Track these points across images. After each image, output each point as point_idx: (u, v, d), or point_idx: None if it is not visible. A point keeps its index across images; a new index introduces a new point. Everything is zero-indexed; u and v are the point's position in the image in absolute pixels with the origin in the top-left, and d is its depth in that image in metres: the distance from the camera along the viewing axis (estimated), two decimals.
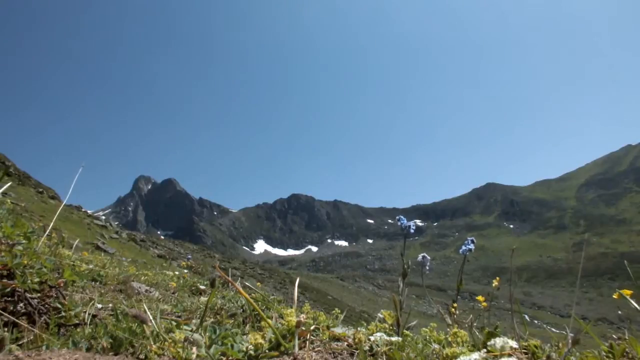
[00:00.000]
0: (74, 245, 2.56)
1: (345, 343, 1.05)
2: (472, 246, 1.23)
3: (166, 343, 0.84)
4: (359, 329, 1.22)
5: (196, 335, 0.85)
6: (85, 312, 1.17)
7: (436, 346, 0.94)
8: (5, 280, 1.05)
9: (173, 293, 2.67)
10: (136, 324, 0.93)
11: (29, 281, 1.09)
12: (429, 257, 1.30)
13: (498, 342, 0.79)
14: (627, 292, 0.92)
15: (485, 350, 0.82)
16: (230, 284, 2.79)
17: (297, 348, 0.87)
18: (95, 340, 0.91)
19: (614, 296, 1.12)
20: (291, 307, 1.21)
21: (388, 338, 0.92)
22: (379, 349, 0.90)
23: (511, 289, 1.32)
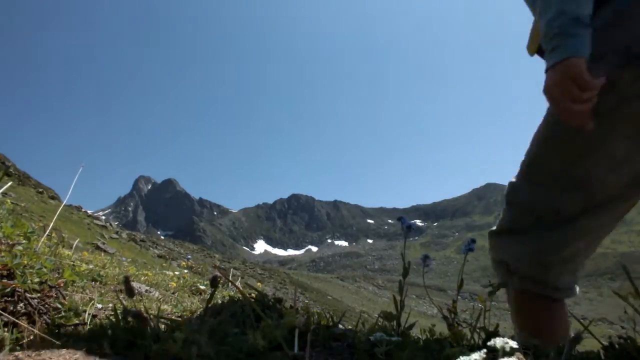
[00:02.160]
0: (74, 245, 2.56)
1: (345, 343, 1.05)
2: (472, 246, 1.23)
3: (166, 343, 0.84)
4: (358, 329, 1.22)
5: (196, 336, 0.85)
6: (85, 312, 1.17)
7: (436, 346, 0.94)
8: (5, 280, 1.05)
9: (173, 293, 2.67)
10: (136, 324, 0.93)
11: (29, 281, 1.09)
12: (431, 258, 1.30)
13: (498, 342, 0.79)
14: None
15: (485, 350, 0.82)
16: (230, 283, 2.79)
17: (297, 348, 0.87)
18: (95, 340, 0.91)
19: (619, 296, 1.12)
20: (291, 307, 1.20)
21: (388, 338, 0.92)
22: (379, 349, 0.90)
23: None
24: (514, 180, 1.18)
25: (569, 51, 0.91)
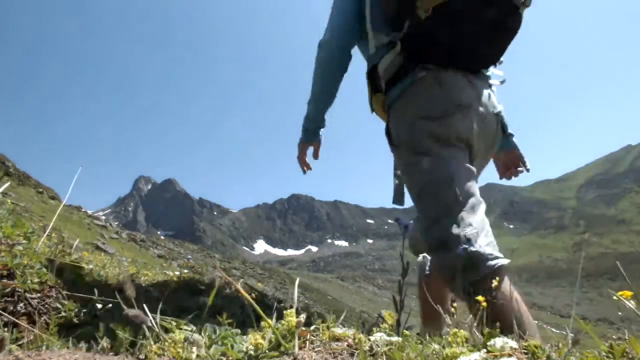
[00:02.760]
0: (74, 245, 2.56)
1: (345, 343, 1.05)
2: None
3: (166, 343, 0.84)
4: (358, 329, 1.22)
5: (196, 336, 0.85)
6: (85, 312, 1.17)
7: (436, 346, 0.94)
8: (5, 280, 1.05)
9: (173, 293, 2.67)
10: (136, 324, 0.93)
11: (29, 281, 1.09)
12: (429, 257, 1.29)
13: (498, 342, 0.79)
14: (627, 294, 0.92)
15: (485, 350, 0.82)
16: (230, 284, 2.79)
17: (297, 348, 0.87)
18: (95, 340, 0.91)
19: (615, 297, 1.12)
20: (291, 307, 1.20)
21: (388, 338, 0.92)
22: (379, 349, 0.90)
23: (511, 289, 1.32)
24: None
25: (302, 138, 1.83)
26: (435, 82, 1.38)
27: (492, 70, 1.53)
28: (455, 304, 1.28)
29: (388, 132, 1.51)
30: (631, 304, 0.89)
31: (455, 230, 1.25)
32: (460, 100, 1.37)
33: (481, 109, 1.42)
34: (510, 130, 1.63)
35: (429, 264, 1.67)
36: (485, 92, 1.47)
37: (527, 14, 1.37)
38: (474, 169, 1.40)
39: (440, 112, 1.35)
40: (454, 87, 1.39)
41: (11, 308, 1.02)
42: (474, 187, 1.37)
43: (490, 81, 1.53)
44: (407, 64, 1.41)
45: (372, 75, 1.52)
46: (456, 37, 1.35)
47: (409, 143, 1.42)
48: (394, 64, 1.43)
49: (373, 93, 1.56)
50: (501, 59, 1.49)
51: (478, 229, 1.27)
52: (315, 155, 1.87)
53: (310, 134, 1.81)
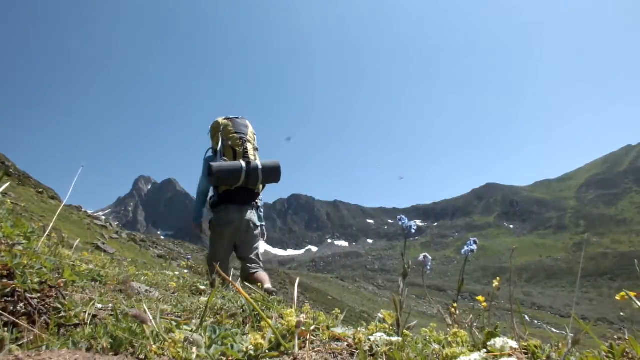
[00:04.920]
0: (74, 246, 2.56)
1: (345, 343, 1.05)
2: (474, 247, 1.22)
3: (166, 343, 0.84)
4: (359, 329, 1.22)
5: (196, 336, 0.85)
6: (85, 312, 1.17)
7: (436, 346, 0.94)
8: (5, 280, 1.05)
9: (173, 293, 2.67)
10: (136, 324, 0.93)
11: (29, 281, 1.09)
12: (430, 257, 1.30)
13: (498, 342, 0.79)
14: (632, 293, 0.92)
15: (485, 350, 0.82)
16: (230, 284, 2.78)
17: (297, 348, 0.87)
18: (95, 340, 0.91)
19: (617, 297, 1.12)
20: (291, 308, 1.20)
21: (388, 338, 0.92)
22: (379, 349, 0.90)
23: (511, 289, 1.32)
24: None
25: (194, 220, 4.41)
26: (225, 210, 3.95)
27: (256, 201, 4.20)
28: (455, 304, 1.28)
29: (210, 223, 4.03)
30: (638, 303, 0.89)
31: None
32: (230, 220, 3.93)
33: (244, 219, 3.96)
34: (261, 223, 4.31)
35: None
36: (249, 212, 4.04)
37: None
38: (231, 247, 4.03)
39: (224, 223, 3.94)
40: (230, 213, 3.94)
41: (11, 308, 1.02)
42: (226, 253, 3.99)
43: (259, 203, 4.26)
44: (219, 202, 3.99)
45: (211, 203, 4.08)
46: (233, 197, 3.95)
47: (212, 232, 3.99)
48: (215, 201, 4.03)
49: (210, 208, 4.05)
50: (260, 197, 4.24)
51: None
52: (204, 230, 4.30)
53: (199, 217, 4.26)
